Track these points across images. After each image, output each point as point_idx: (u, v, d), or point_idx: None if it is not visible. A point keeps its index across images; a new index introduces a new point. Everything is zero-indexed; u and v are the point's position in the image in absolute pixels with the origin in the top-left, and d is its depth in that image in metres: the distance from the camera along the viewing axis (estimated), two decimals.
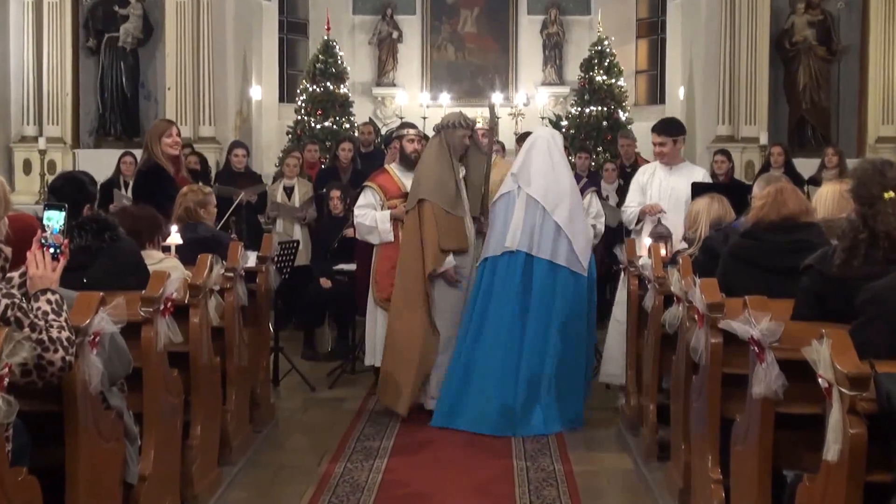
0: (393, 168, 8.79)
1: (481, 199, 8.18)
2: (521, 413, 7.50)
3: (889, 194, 4.29)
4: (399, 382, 7.83)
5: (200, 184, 8.30)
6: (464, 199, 8.09)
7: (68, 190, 6.14)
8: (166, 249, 6.44)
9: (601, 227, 9.31)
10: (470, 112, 9.04)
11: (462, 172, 8.16)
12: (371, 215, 8.46)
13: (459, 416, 7.59)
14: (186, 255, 6.49)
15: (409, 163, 8.59)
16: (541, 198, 7.71)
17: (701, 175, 8.63)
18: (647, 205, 8.58)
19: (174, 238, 6.64)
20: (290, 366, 9.15)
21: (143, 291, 5.10)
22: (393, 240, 8.40)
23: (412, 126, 9.24)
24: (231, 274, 6.71)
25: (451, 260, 7.93)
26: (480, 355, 7.65)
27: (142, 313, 5.02)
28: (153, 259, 5.91)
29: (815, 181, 11.61)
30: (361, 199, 8.60)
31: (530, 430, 7.44)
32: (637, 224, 8.67)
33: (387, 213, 8.44)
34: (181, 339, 5.45)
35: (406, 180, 8.47)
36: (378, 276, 8.47)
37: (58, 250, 4.02)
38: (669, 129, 8.78)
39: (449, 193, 7.98)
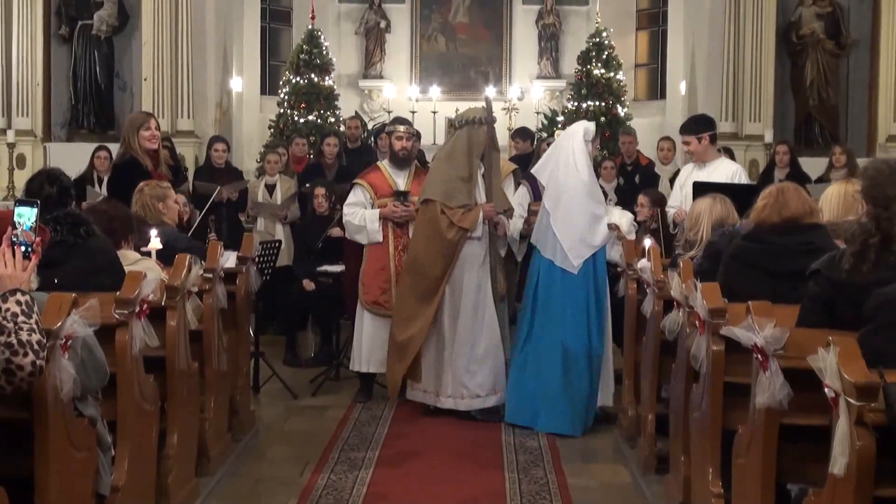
0: (385, 165, 8.78)
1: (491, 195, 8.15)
2: (536, 410, 7.77)
3: None
4: (394, 368, 8.06)
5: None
6: (480, 198, 8.01)
7: (51, 190, 6.10)
8: (146, 255, 6.32)
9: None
10: (464, 106, 8.69)
11: (481, 170, 8.10)
12: (360, 214, 8.48)
13: (512, 412, 7.85)
14: None
15: (398, 161, 8.61)
16: (545, 195, 7.95)
17: (732, 171, 8.43)
18: (675, 211, 8.51)
19: (154, 243, 6.45)
20: (272, 372, 9.01)
21: (118, 293, 5.01)
22: (382, 240, 8.45)
23: (403, 122, 9.07)
24: (210, 275, 6.63)
25: (479, 220, 7.90)
26: (521, 351, 7.92)
27: (116, 316, 4.94)
28: (129, 259, 5.78)
29: (823, 181, 11.17)
30: (351, 197, 8.60)
31: (546, 428, 7.67)
32: (674, 229, 8.54)
33: (375, 212, 8.46)
34: (157, 343, 5.38)
35: (398, 178, 8.54)
36: (366, 278, 8.51)
37: (29, 249, 3.89)
38: (690, 127, 8.66)
39: (459, 193, 7.93)
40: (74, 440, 4.28)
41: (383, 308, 8.41)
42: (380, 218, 8.38)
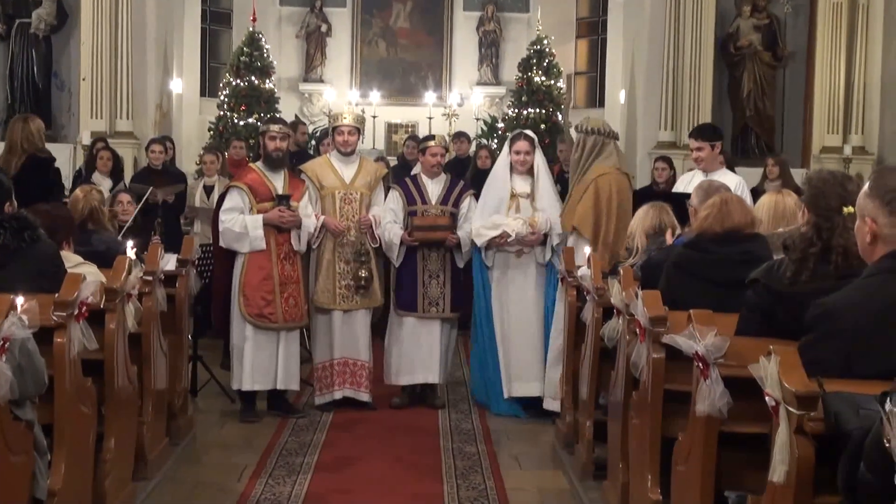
0: (259, 167, 8.29)
1: None
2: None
3: (848, 209, 4.12)
4: None
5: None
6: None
7: None
8: None
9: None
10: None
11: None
12: (240, 220, 7.98)
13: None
14: None
15: (272, 162, 8.15)
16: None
17: (735, 182, 8.02)
18: None
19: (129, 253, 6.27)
20: (209, 375, 8.89)
21: (57, 295, 4.93)
22: (265, 248, 7.99)
23: (278, 121, 8.70)
24: (150, 278, 6.58)
25: None
26: None
27: (55, 318, 4.87)
28: (70, 262, 5.67)
29: (758, 192, 11.20)
30: (227, 202, 8.10)
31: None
32: None
33: (258, 217, 7.98)
34: (96, 345, 5.31)
35: (275, 181, 8.11)
36: (247, 290, 8.03)
37: None
38: (706, 133, 8.47)
39: None
40: (11, 444, 4.21)
41: (268, 321, 8.01)
42: (264, 223, 7.94)
